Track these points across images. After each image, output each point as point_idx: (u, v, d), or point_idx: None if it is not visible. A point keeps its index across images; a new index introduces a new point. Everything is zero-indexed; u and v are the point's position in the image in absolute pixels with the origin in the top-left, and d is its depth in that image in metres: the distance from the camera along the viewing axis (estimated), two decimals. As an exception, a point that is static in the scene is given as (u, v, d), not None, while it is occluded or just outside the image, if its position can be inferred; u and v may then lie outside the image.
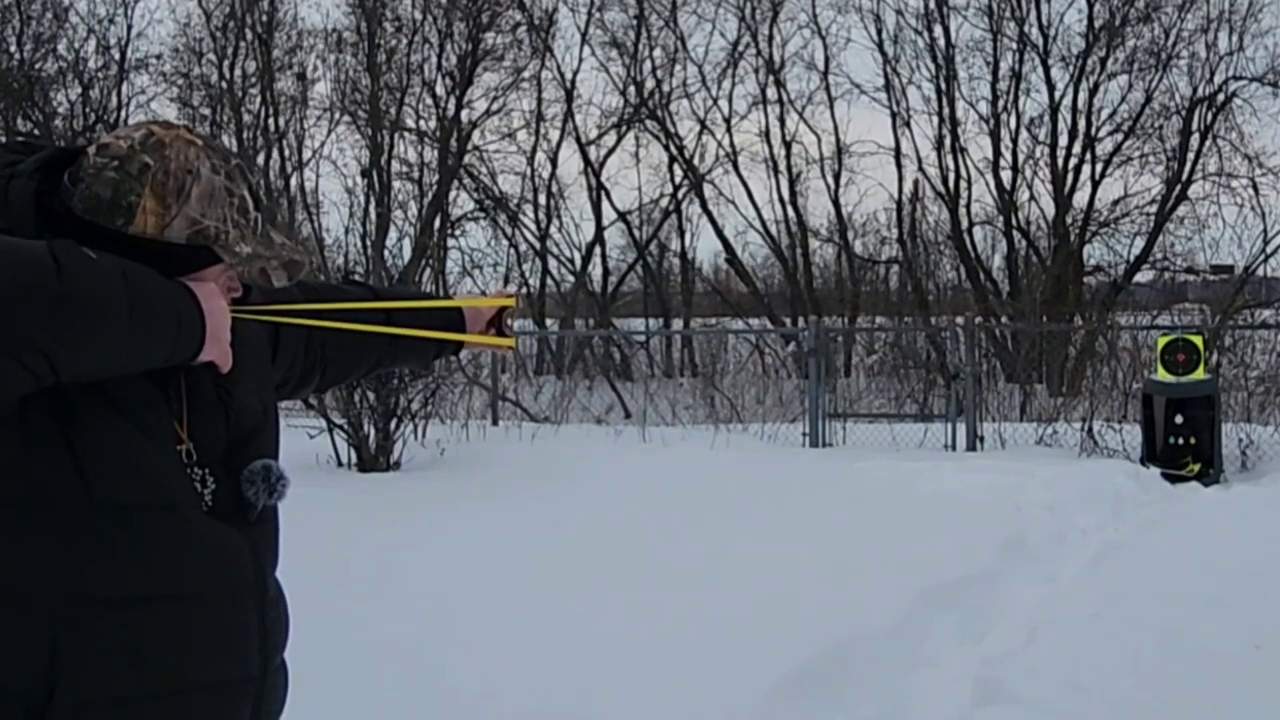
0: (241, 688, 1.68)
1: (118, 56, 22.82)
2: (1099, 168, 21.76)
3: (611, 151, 23.76)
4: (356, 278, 11.11)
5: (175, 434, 1.63)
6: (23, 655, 1.50)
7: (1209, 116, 21.10)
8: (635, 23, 23.19)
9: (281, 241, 1.69)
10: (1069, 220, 21.84)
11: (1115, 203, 21.94)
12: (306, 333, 1.96)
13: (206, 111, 23.44)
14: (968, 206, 22.50)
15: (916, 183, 22.88)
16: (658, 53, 23.36)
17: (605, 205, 23.76)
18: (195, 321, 1.57)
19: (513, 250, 24.19)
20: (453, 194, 23.45)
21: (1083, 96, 21.61)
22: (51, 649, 1.50)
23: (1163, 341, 10.62)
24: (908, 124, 22.46)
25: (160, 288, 1.54)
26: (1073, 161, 21.77)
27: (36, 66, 22.31)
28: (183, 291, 1.57)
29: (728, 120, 23.15)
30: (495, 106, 23.19)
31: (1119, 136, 21.72)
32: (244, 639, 1.68)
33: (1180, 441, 10.22)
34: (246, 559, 1.68)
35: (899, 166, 22.74)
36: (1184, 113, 21.19)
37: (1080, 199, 21.91)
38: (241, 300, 1.72)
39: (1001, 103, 22.06)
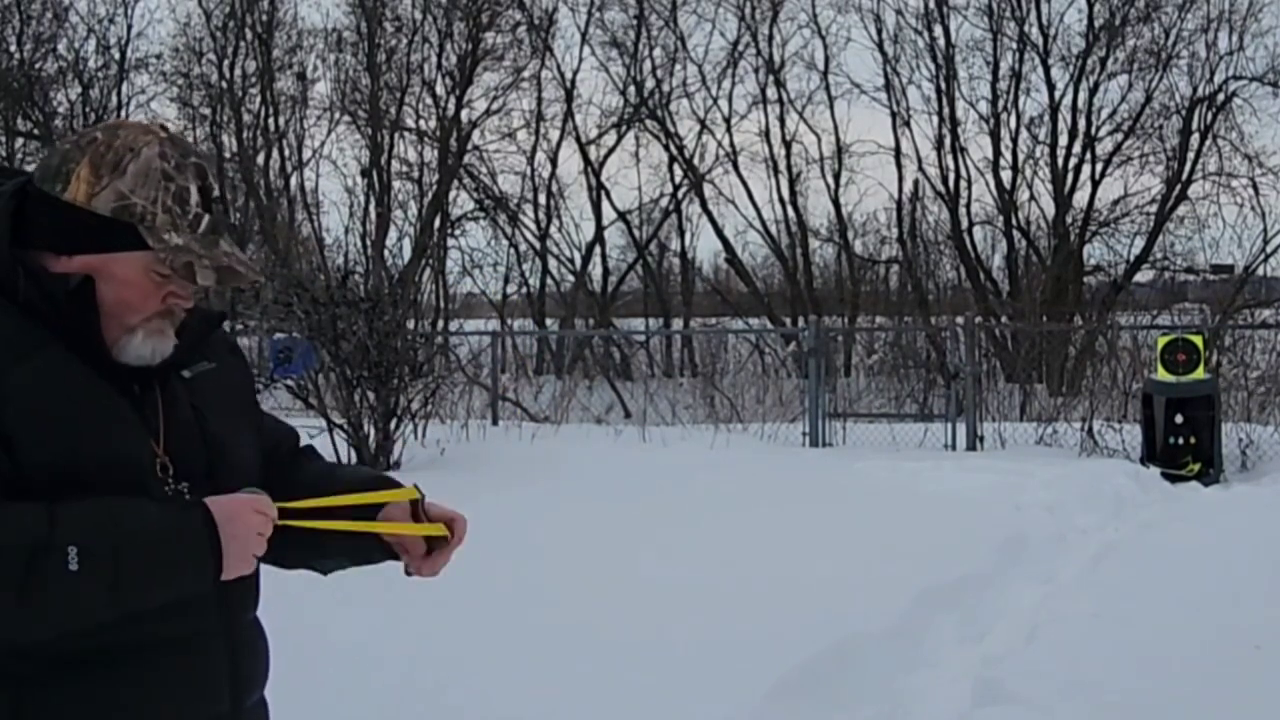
0: None
1: (118, 56, 22.87)
2: (1099, 167, 21.79)
3: (611, 151, 23.79)
4: (356, 278, 11.11)
5: (151, 449, 1.61)
6: None
7: (1209, 116, 21.11)
8: (635, 23, 23.20)
9: (229, 251, 1.63)
10: (1069, 220, 21.85)
11: (1115, 203, 21.98)
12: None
13: (206, 111, 23.48)
14: (968, 206, 22.53)
15: (916, 183, 22.91)
16: (658, 52, 23.39)
17: (605, 205, 23.79)
18: (204, 559, 1.53)
19: (513, 250, 24.23)
20: (453, 194, 23.48)
21: (1083, 96, 21.64)
22: (15, 709, 1.50)
23: (1163, 341, 10.62)
24: (908, 124, 22.49)
25: (160, 543, 1.51)
26: (1073, 161, 21.79)
27: (36, 66, 22.34)
28: (193, 534, 1.53)
29: (728, 120, 23.17)
30: (495, 106, 23.24)
31: (1119, 136, 21.74)
32: (212, 684, 1.65)
33: (1180, 441, 10.22)
34: (210, 602, 1.63)
35: (899, 166, 22.77)
36: (1184, 112, 21.20)
37: (1080, 199, 21.95)
38: (185, 318, 1.67)
39: (1001, 103, 22.08)
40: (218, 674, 1.66)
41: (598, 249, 24.21)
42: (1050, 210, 22.01)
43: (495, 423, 12.96)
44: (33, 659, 1.51)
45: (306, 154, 24.07)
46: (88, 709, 1.54)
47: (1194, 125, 21.11)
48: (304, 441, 1.99)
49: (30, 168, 1.72)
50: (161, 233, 1.59)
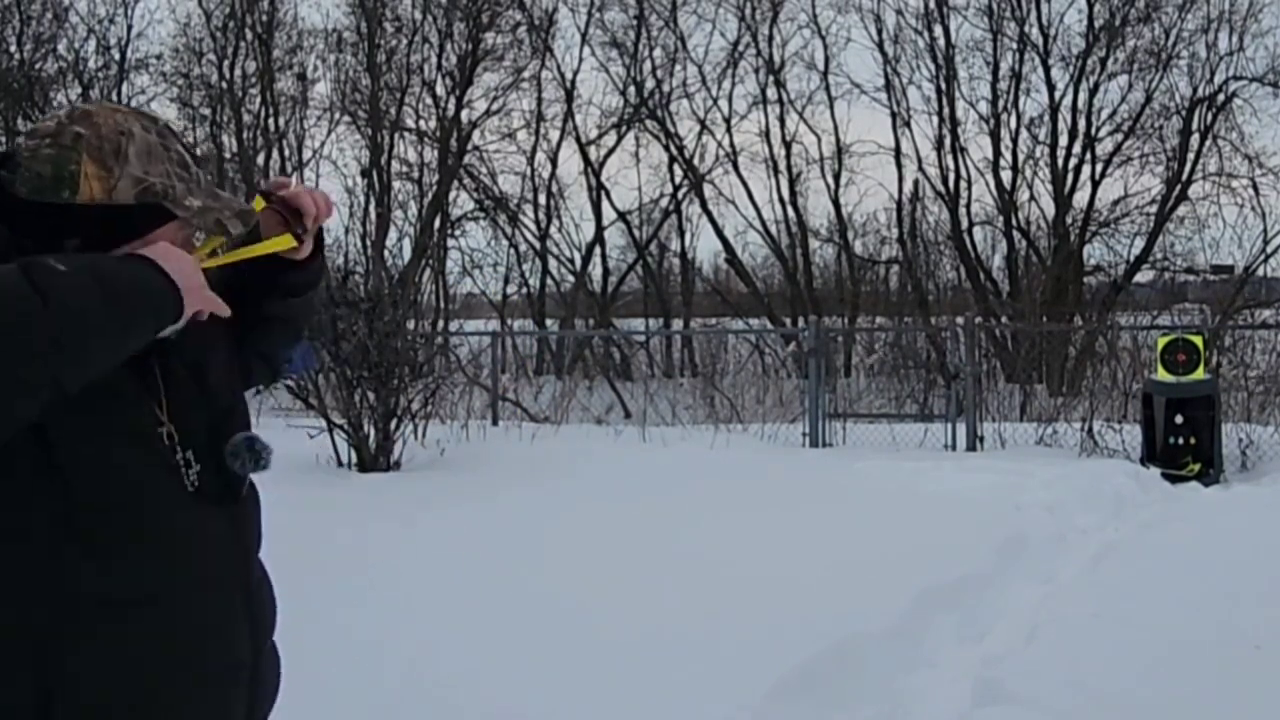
0: (235, 675, 1.69)
1: (118, 56, 22.87)
2: (1099, 168, 21.80)
3: (611, 151, 23.80)
4: (356, 278, 11.12)
5: (156, 417, 1.62)
6: (14, 666, 1.49)
7: (1209, 116, 21.12)
8: (635, 23, 23.22)
9: (227, 195, 1.70)
10: (1069, 220, 21.85)
11: (1115, 203, 21.99)
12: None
13: (206, 112, 23.49)
14: (968, 206, 22.54)
15: (916, 183, 22.93)
16: (658, 53, 23.41)
17: (605, 205, 23.81)
18: (164, 286, 1.56)
19: (513, 250, 24.23)
20: (453, 194, 23.48)
21: (1083, 96, 21.65)
22: (42, 658, 1.50)
23: (1163, 341, 10.62)
24: (908, 124, 22.51)
25: (122, 270, 1.53)
26: (1073, 161, 21.80)
27: (36, 66, 22.33)
28: (140, 262, 1.56)
29: (728, 120, 23.19)
30: (495, 106, 23.25)
31: (1119, 136, 21.75)
32: (233, 627, 1.68)
33: (1180, 441, 10.22)
34: (229, 546, 1.69)
35: (899, 166, 22.79)
36: (1184, 113, 21.21)
37: (1080, 199, 21.96)
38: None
39: (1001, 103, 22.10)
40: (238, 619, 1.69)
41: (598, 249, 24.24)
42: (1050, 210, 22.04)
43: (495, 423, 12.95)
44: (62, 608, 1.50)
45: (306, 154, 24.11)
46: (115, 661, 1.54)
47: (1194, 125, 21.13)
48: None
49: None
50: (183, 200, 1.63)
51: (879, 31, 22.42)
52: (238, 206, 1.69)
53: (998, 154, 22.18)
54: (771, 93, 23.01)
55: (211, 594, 1.65)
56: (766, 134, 23.16)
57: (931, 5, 22.09)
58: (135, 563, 1.56)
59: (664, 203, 23.94)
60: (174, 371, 1.67)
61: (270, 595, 1.80)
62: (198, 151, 1.72)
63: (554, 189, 23.91)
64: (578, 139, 23.50)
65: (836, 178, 22.99)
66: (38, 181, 1.58)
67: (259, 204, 1.80)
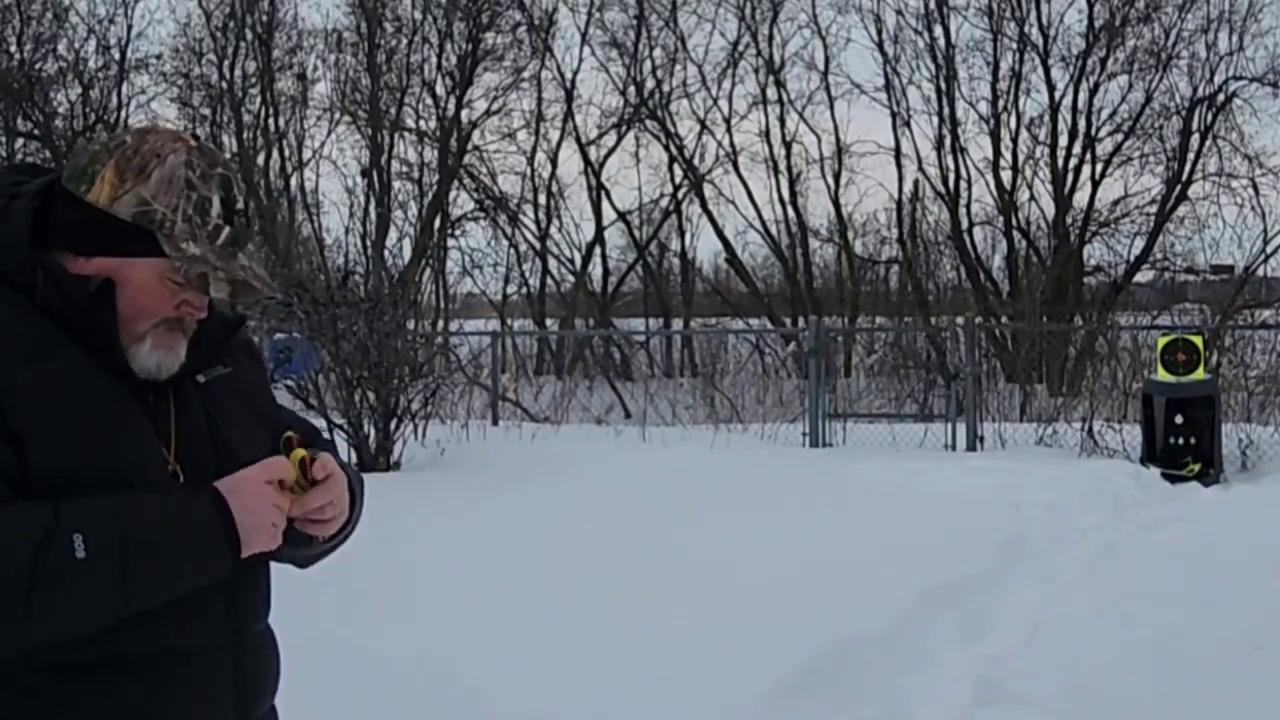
0: None
1: (118, 56, 22.85)
2: (1099, 168, 21.79)
3: (611, 151, 23.80)
4: (356, 278, 11.13)
5: (162, 456, 1.59)
6: None
7: (1209, 116, 21.12)
8: (635, 23, 23.21)
9: (245, 264, 1.63)
10: (1069, 220, 21.85)
11: (1115, 203, 21.98)
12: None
13: (206, 111, 23.48)
14: (968, 206, 22.54)
15: (916, 183, 22.92)
16: (658, 53, 23.40)
17: (605, 205, 23.80)
18: (217, 536, 1.53)
19: (513, 250, 24.23)
20: (453, 194, 23.48)
21: (1083, 96, 21.65)
22: (16, 714, 1.49)
23: (1163, 341, 10.62)
24: (908, 124, 22.50)
25: (169, 523, 1.50)
26: (1073, 161, 21.80)
27: (36, 66, 22.32)
28: (203, 511, 1.53)
29: (728, 120, 23.19)
30: (495, 106, 23.25)
31: (1119, 137, 21.75)
32: (216, 695, 1.63)
33: (1180, 441, 10.22)
34: (219, 611, 1.62)
35: (899, 166, 22.78)
36: (1184, 113, 21.21)
37: (1080, 199, 21.95)
38: (204, 323, 1.66)
39: (1001, 103, 22.09)
40: (223, 687, 1.64)
41: (598, 249, 24.24)
42: (1050, 210, 22.04)
43: (495, 423, 12.95)
44: (36, 670, 1.49)
45: (306, 154, 24.10)
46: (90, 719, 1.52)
47: (1194, 125, 21.12)
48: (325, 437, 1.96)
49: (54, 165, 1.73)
50: (179, 241, 1.58)
51: (879, 31, 22.45)
52: (240, 276, 1.62)
53: (998, 154, 22.20)
54: (771, 93, 23.05)
55: (192, 662, 1.60)
56: (766, 134, 23.19)
57: (931, 5, 22.10)
58: (115, 629, 1.51)
59: (664, 203, 23.97)
60: (188, 415, 1.64)
61: (270, 660, 1.75)
62: (247, 216, 1.66)
63: (554, 189, 23.94)
64: (578, 139, 23.53)
65: (836, 178, 23.02)
66: (72, 170, 1.61)
67: (295, 456, 1.66)
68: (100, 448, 1.52)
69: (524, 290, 24.59)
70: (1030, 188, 22.23)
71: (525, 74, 23.21)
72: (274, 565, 1.78)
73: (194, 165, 1.60)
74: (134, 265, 1.58)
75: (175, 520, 1.52)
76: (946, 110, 22.15)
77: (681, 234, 24.46)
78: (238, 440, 1.68)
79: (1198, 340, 10.43)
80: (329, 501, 1.66)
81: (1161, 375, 10.38)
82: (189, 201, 1.59)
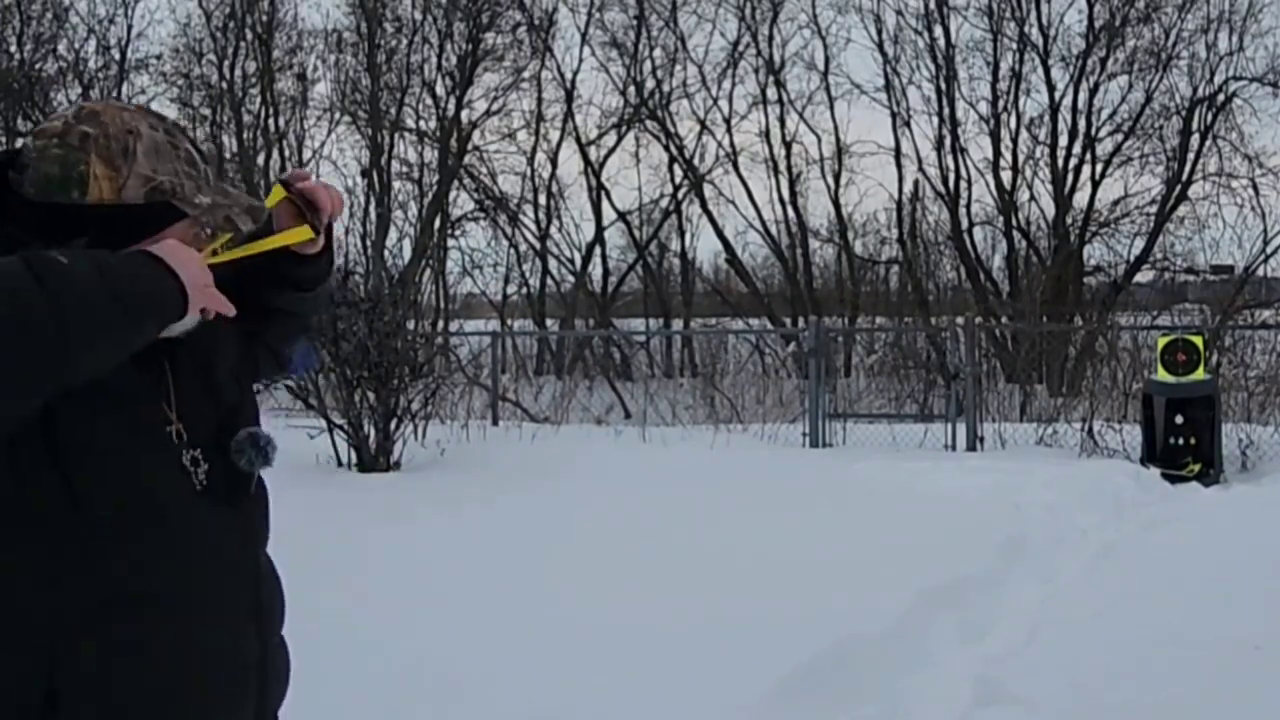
0: (244, 671, 1.69)
1: (118, 57, 22.87)
2: (1099, 168, 21.80)
3: (611, 152, 23.80)
4: (356, 279, 11.12)
5: (164, 416, 1.62)
6: (22, 664, 1.49)
7: (1209, 117, 21.12)
8: (635, 23, 23.22)
9: (236, 190, 1.70)
10: (1069, 220, 21.85)
11: (1115, 203, 21.99)
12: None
13: (206, 112, 23.48)
14: (968, 207, 22.54)
15: (916, 183, 22.93)
16: (658, 53, 23.40)
17: (605, 205, 23.80)
18: (169, 283, 1.55)
19: (513, 250, 24.23)
20: (453, 194, 23.48)
21: (1083, 97, 21.65)
22: (50, 655, 1.50)
23: (1163, 342, 10.61)
24: (908, 124, 22.51)
25: (128, 265, 1.52)
26: (1073, 161, 21.80)
27: (36, 66, 22.33)
28: (145, 259, 1.55)
29: (728, 120, 23.19)
30: (495, 107, 23.25)
31: (1119, 137, 21.75)
32: (241, 624, 1.69)
33: (1180, 442, 10.22)
34: (239, 543, 1.69)
35: (899, 166, 22.78)
36: (1184, 113, 21.21)
37: (1080, 199, 21.95)
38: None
39: (1001, 103, 22.09)
40: (246, 613, 1.69)
41: (598, 249, 24.24)
42: (1050, 211, 22.04)
43: (495, 423, 12.95)
44: (69, 607, 1.50)
45: (307, 154, 24.08)
46: (122, 659, 1.54)
47: (1194, 126, 21.13)
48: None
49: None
50: (192, 198, 1.63)
51: (879, 32, 22.45)
52: (246, 202, 1.69)
53: (998, 154, 22.20)
54: (771, 93, 23.05)
55: (219, 592, 1.65)
56: (766, 134, 23.19)
57: (931, 5, 22.10)
58: (142, 562, 1.56)
59: (664, 203, 23.97)
60: (182, 369, 1.67)
61: (279, 591, 1.81)
62: (204, 147, 1.71)
63: (554, 189, 23.94)
64: (578, 139, 23.52)
65: (836, 178, 23.02)
66: (46, 182, 1.58)
67: (278, 194, 1.80)
68: (103, 413, 1.54)
69: (524, 290, 24.61)
70: (1030, 188, 22.27)
71: (525, 74, 23.25)
72: (272, 565, 1.80)
73: (157, 127, 1.64)
74: (163, 236, 1.61)
75: (131, 263, 1.53)
76: (946, 110, 22.17)
77: (681, 234, 24.49)
78: (229, 379, 1.74)
79: (1198, 340, 10.43)
80: (320, 184, 1.81)
81: (1161, 375, 10.38)
82: (180, 160, 1.63)
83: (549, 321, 24.06)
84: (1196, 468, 10.08)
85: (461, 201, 23.91)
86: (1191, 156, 21.16)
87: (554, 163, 23.78)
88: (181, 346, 1.66)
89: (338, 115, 23.38)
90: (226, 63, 23.38)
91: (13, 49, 22.12)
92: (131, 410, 1.58)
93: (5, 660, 1.49)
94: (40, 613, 1.50)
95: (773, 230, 23.64)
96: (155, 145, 1.61)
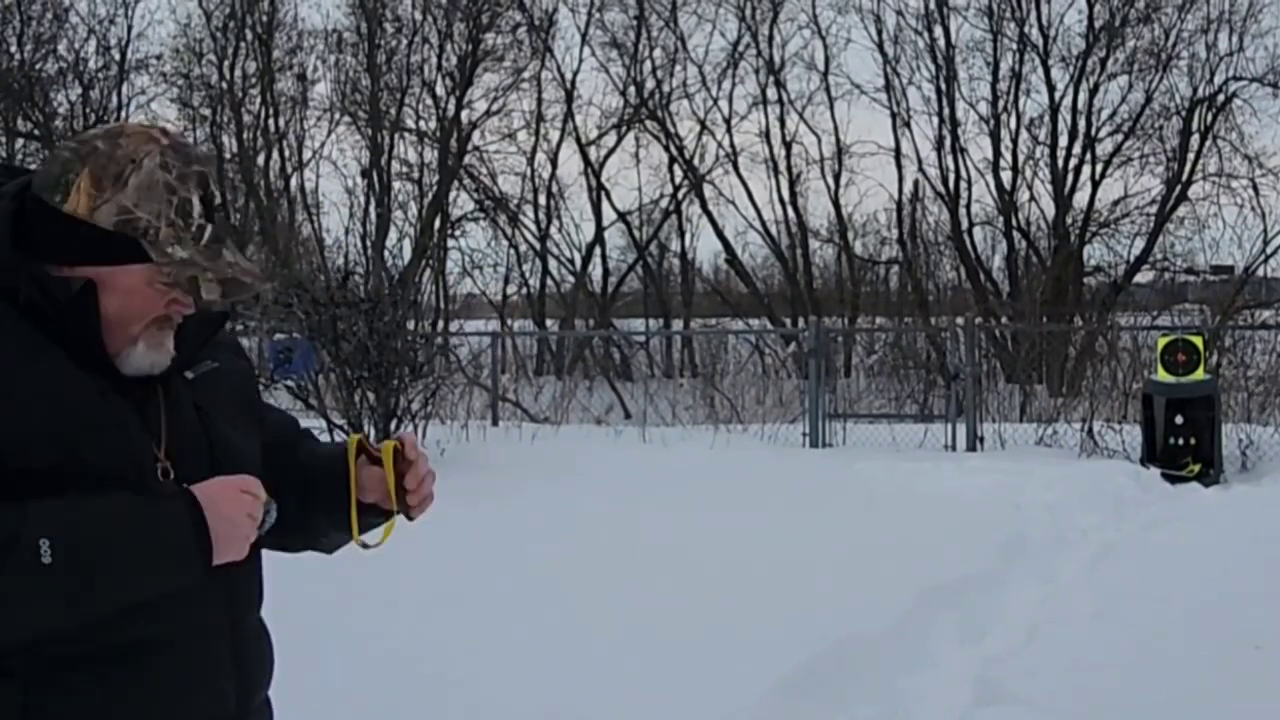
0: None
1: (118, 57, 22.87)
2: (1099, 168, 21.81)
3: (611, 152, 23.81)
4: (357, 279, 11.12)
5: (152, 454, 1.59)
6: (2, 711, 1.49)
7: (1209, 117, 21.13)
8: (635, 23, 23.22)
9: (232, 261, 1.61)
10: (1069, 220, 21.86)
11: (1115, 203, 22.01)
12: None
13: (206, 112, 23.49)
14: (968, 207, 22.55)
15: (916, 183, 22.93)
16: (658, 53, 23.41)
17: (605, 205, 23.81)
18: (189, 545, 1.51)
19: (513, 250, 24.24)
20: (453, 194, 23.48)
21: (1083, 97, 21.66)
22: (23, 709, 1.49)
23: (1163, 342, 10.61)
24: (908, 124, 22.51)
25: (141, 529, 1.49)
26: (1073, 162, 21.82)
27: (36, 67, 22.33)
28: (177, 520, 1.51)
29: (728, 120, 23.19)
30: (495, 107, 23.25)
31: (1119, 137, 21.77)
32: (216, 680, 1.64)
33: (1180, 442, 10.21)
34: (216, 598, 1.63)
35: (899, 167, 22.79)
36: (1184, 113, 21.23)
37: (1080, 199, 21.98)
38: (186, 321, 1.64)
39: (1001, 103, 22.11)
40: (223, 673, 1.65)
41: (598, 249, 24.25)
42: (1050, 211, 22.05)
43: (495, 423, 12.95)
44: (38, 657, 1.49)
45: (307, 155, 24.12)
46: (94, 708, 1.53)
47: (1194, 126, 21.14)
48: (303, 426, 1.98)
49: (34, 167, 1.69)
50: (165, 246, 1.56)
51: (879, 32, 22.46)
52: (229, 274, 1.60)
53: (998, 154, 22.21)
54: (771, 93, 23.05)
55: (191, 648, 1.60)
56: (766, 134, 23.20)
57: (931, 6, 22.11)
58: (112, 619, 1.52)
59: (664, 203, 23.97)
60: (178, 408, 1.64)
61: (267, 652, 1.76)
62: (219, 208, 1.64)
63: (554, 189, 23.95)
64: (578, 139, 23.52)
65: (836, 178, 23.03)
66: (44, 179, 1.58)
67: (388, 450, 1.71)
68: (89, 448, 1.51)
69: (524, 290, 24.62)
70: (1030, 188, 22.29)
71: (525, 74, 23.25)
72: (266, 561, 1.79)
73: (170, 167, 1.58)
74: (121, 272, 1.56)
75: (147, 527, 1.50)
76: (946, 110, 22.19)
77: (681, 234, 24.49)
78: (229, 434, 1.69)
79: (1198, 340, 10.43)
80: (429, 471, 1.74)
81: (1161, 375, 10.38)
82: (170, 206, 1.57)
83: (549, 322, 24.06)
84: (1196, 468, 10.08)
85: (461, 201, 23.96)
86: (1191, 157, 21.19)
87: (554, 163, 23.82)
88: (185, 385, 1.65)
89: (338, 115, 23.42)
90: (226, 63, 23.40)
91: (13, 49, 22.12)
92: (113, 455, 1.54)
93: None
94: (15, 667, 1.49)
95: (773, 230, 23.68)
96: (151, 182, 1.57)
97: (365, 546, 1.81)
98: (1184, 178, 21.18)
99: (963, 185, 22.34)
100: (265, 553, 1.79)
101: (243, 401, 1.78)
